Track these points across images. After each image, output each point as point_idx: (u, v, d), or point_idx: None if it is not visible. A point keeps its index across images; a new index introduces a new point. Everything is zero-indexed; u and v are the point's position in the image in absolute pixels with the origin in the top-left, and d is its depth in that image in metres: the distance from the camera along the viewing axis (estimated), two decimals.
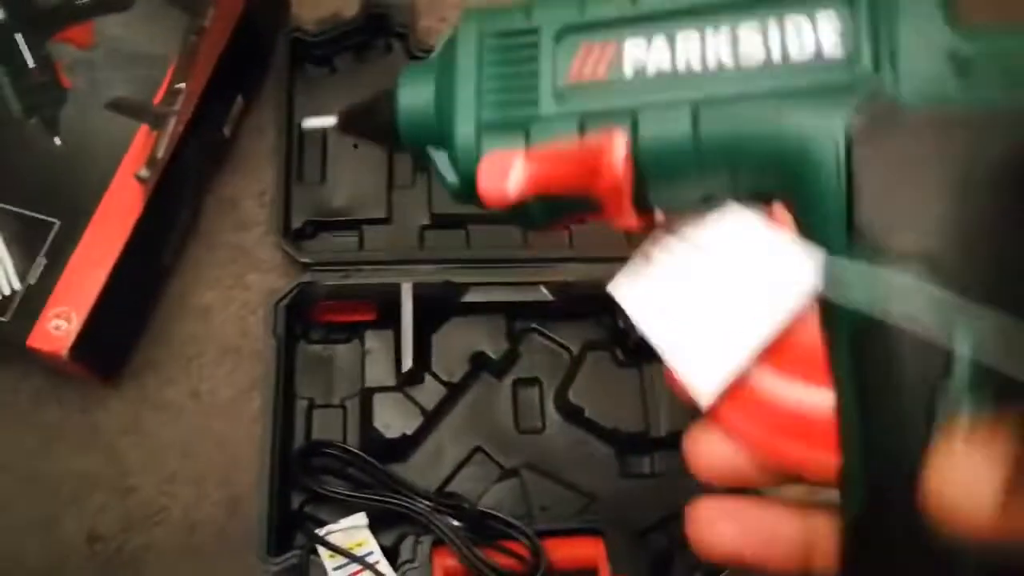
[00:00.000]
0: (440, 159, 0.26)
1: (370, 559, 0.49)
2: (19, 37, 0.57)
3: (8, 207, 0.53)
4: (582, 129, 0.23)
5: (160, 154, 0.55)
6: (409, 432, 0.54)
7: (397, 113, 0.27)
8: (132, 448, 0.55)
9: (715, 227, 0.23)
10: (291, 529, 0.52)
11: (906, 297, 0.19)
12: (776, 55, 0.21)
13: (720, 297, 0.23)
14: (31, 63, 0.57)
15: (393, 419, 0.55)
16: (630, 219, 0.23)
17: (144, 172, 0.54)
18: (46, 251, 0.52)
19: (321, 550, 0.49)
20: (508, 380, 0.57)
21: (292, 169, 0.60)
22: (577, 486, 0.54)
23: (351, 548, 0.49)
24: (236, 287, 0.60)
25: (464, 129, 0.25)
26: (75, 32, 0.57)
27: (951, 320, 0.18)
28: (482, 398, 0.57)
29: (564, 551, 0.50)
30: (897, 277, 0.19)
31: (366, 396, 0.55)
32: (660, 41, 0.23)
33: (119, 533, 0.53)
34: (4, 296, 0.51)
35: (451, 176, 0.26)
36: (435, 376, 0.56)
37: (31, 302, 0.51)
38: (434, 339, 0.57)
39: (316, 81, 0.64)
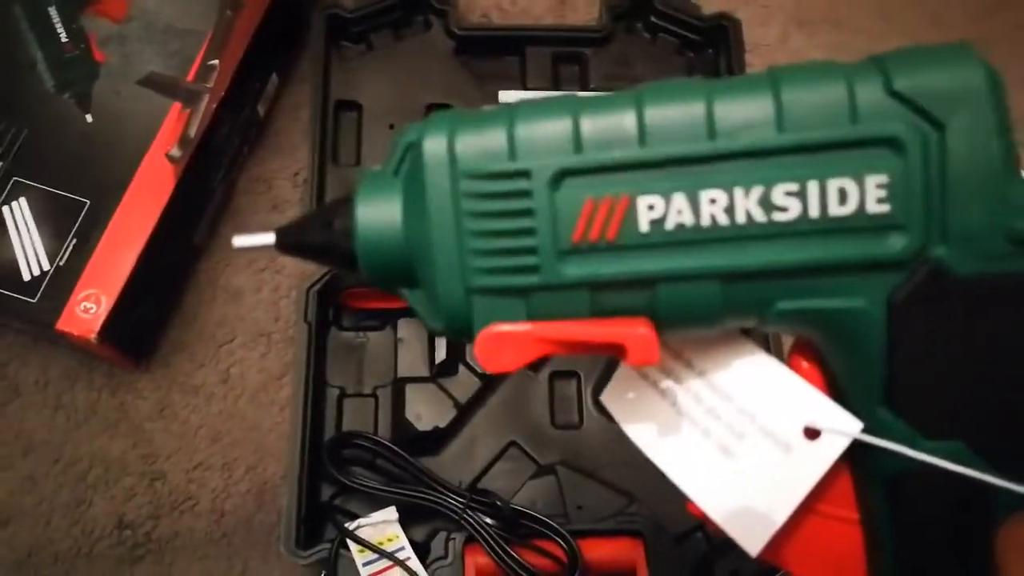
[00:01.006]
0: (416, 300, 0.22)
1: (401, 555, 0.48)
2: (52, 10, 0.56)
3: (39, 185, 0.52)
4: (595, 305, 0.20)
5: (192, 133, 0.53)
6: (442, 425, 0.53)
7: (356, 243, 0.22)
8: (161, 432, 0.54)
9: (739, 373, 0.22)
10: (320, 522, 0.51)
11: (945, 462, 0.19)
12: (814, 213, 0.19)
13: (755, 452, 0.22)
14: (64, 37, 0.55)
15: (425, 411, 0.53)
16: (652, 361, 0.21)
17: (176, 151, 0.53)
18: (76, 231, 0.51)
19: (351, 544, 0.48)
20: (545, 373, 0.55)
21: (327, 150, 0.58)
22: (615, 485, 0.52)
23: (381, 543, 0.48)
24: (268, 270, 0.59)
25: (449, 289, 0.21)
26: (109, 5, 0.56)
27: (986, 486, 0.19)
28: (517, 391, 0.55)
29: (601, 552, 0.48)
30: (937, 446, 0.19)
31: (398, 386, 0.54)
32: (680, 199, 0.19)
33: (147, 520, 0.52)
34: (33, 277, 0.50)
35: (434, 322, 0.22)
36: (469, 367, 0.55)
37: (60, 283, 0.50)
38: None
39: (353, 59, 0.62)
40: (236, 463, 0.54)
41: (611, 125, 0.20)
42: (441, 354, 0.53)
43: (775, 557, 0.23)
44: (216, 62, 0.55)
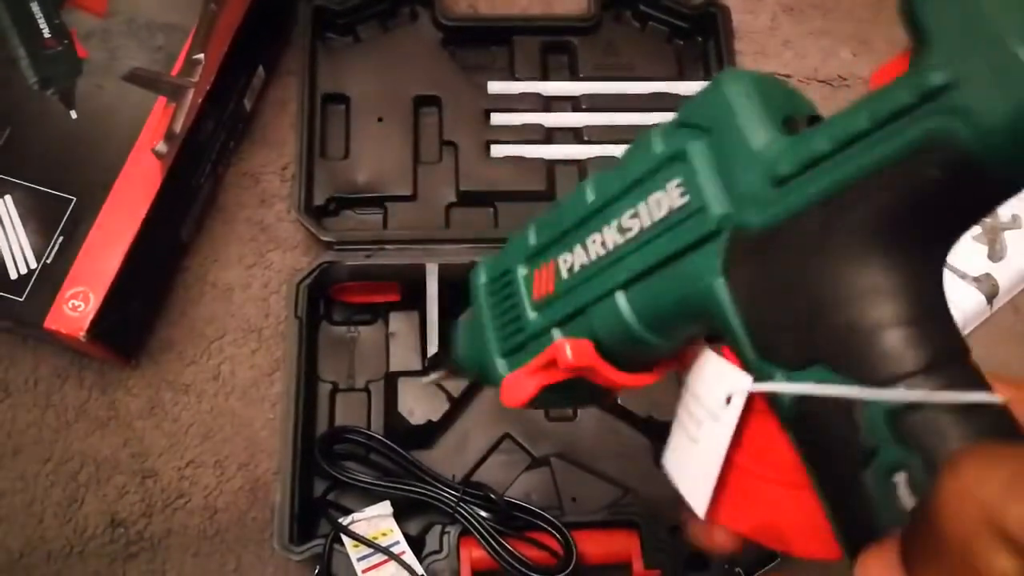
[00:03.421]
0: (490, 376, 0.32)
1: (395, 549, 0.48)
2: (34, 6, 0.55)
3: (24, 183, 0.51)
4: (551, 338, 0.29)
5: (178, 128, 0.53)
6: (435, 418, 0.53)
7: (457, 357, 0.36)
8: (152, 430, 0.54)
9: (698, 369, 0.27)
10: (314, 517, 0.50)
11: (810, 385, 0.22)
12: (647, 223, 0.25)
13: (704, 431, 0.26)
14: (47, 32, 0.55)
15: (418, 405, 0.53)
16: (622, 380, 0.28)
17: (162, 146, 0.52)
18: (62, 229, 0.50)
19: (345, 539, 0.48)
20: None
21: (315, 144, 0.58)
22: (609, 477, 0.52)
23: (376, 537, 0.48)
24: (257, 265, 0.58)
25: (497, 361, 0.31)
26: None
27: (855, 402, 0.21)
28: None
29: (596, 544, 0.48)
30: (803, 375, 0.22)
31: (391, 380, 0.54)
32: (578, 248, 0.28)
33: (140, 518, 0.52)
34: (20, 275, 0.49)
35: (495, 387, 0.31)
36: None
37: (48, 281, 0.49)
38: None
39: (340, 51, 0.61)
40: (228, 460, 0.54)
41: (544, 221, 0.30)
42: (433, 347, 0.53)
43: (733, 522, 0.26)
44: (201, 56, 0.55)
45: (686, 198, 0.24)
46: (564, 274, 0.28)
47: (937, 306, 0.21)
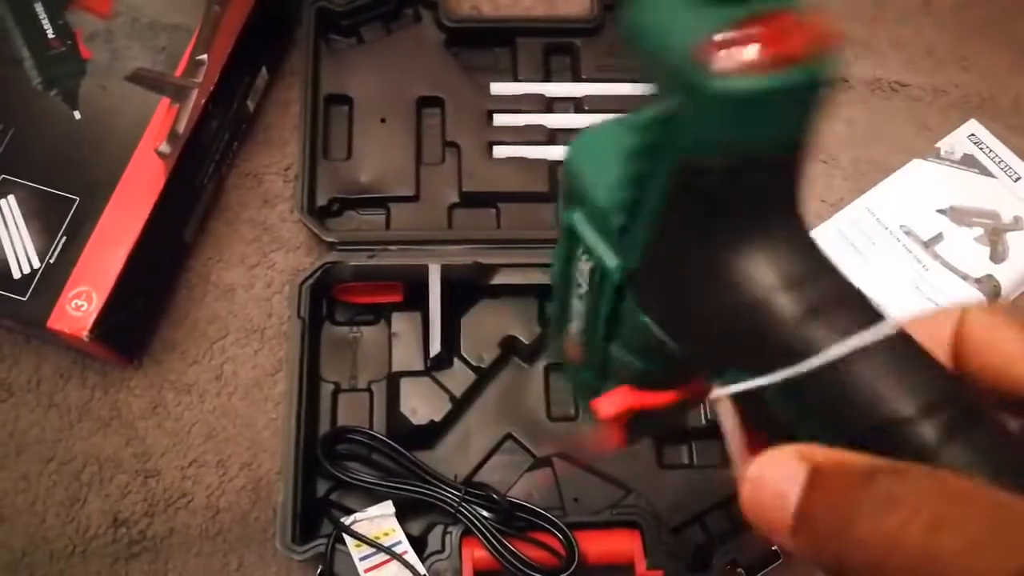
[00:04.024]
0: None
1: (397, 549, 0.48)
2: (38, 6, 0.55)
3: (28, 183, 0.51)
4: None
5: (181, 128, 0.53)
6: (437, 418, 0.53)
7: None
8: (154, 430, 0.54)
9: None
10: (316, 517, 0.50)
11: (728, 391, 0.23)
12: (585, 289, 0.28)
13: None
14: (50, 33, 0.55)
15: (420, 405, 0.53)
16: (667, 399, 0.29)
17: (165, 147, 0.53)
18: (65, 229, 0.50)
19: (347, 539, 0.48)
20: (540, 365, 0.55)
21: (317, 144, 0.58)
22: (611, 477, 0.52)
23: (378, 537, 0.48)
24: (260, 266, 0.58)
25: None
26: (94, 0, 0.55)
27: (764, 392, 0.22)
28: (512, 384, 0.55)
29: (598, 544, 0.48)
30: (723, 380, 0.23)
31: (393, 380, 0.54)
32: (575, 319, 0.31)
33: (142, 518, 0.52)
34: (23, 275, 0.50)
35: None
36: (464, 361, 0.54)
37: (51, 281, 0.49)
38: (463, 322, 0.55)
39: (343, 52, 0.61)
40: (230, 460, 0.54)
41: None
42: (435, 347, 0.53)
43: None
44: (204, 57, 0.55)
45: (591, 263, 0.27)
46: (577, 339, 0.31)
47: (813, 267, 0.22)
